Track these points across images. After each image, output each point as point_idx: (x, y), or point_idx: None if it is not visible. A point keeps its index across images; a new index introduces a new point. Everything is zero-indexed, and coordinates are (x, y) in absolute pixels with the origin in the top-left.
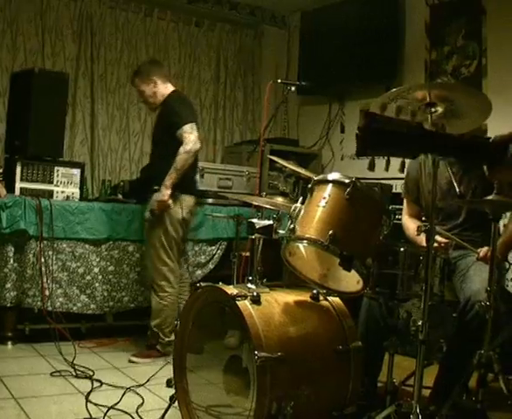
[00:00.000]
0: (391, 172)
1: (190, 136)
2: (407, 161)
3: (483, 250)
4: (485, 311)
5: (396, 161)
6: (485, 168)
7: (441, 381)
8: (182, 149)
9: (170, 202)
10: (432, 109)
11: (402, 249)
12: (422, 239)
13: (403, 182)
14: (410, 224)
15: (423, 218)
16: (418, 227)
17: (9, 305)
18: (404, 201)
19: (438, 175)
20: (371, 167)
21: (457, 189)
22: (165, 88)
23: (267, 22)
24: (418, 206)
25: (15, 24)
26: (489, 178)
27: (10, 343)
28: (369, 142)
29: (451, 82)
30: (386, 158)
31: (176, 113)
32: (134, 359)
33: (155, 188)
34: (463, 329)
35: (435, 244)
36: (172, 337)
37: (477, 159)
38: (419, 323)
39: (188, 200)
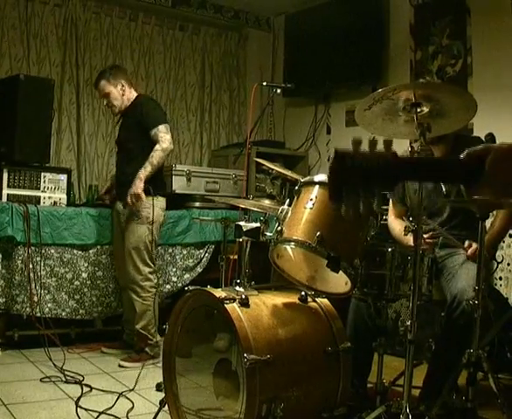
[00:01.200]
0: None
1: (166, 136)
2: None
3: (471, 249)
4: (472, 309)
5: None
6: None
7: (430, 380)
8: (159, 146)
9: (143, 195)
10: (418, 109)
11: (389, 249)
12: (409, 239)
13: None
14: (395, 225)
15: (409, 218)
16: (406, 227)
17: None
18: (390, 201)
19: None
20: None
21: (443, 188)
22: (130, 93)
23: (252, 25)
24: (404, 206)
25: (0, 29)
26: (469, 200)
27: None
28: (342, 183)
29: (436, 82)
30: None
31: (149, 114)
32: (123, 363)
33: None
34: (450, 327)
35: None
36: (158, 337)
37: (453, 180)
38: (408, 323)
39: (163, 201)
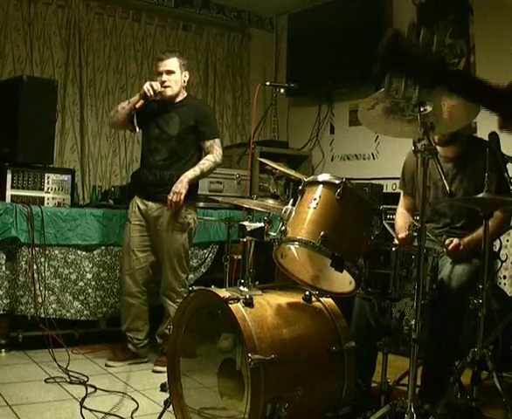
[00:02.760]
0: (382, 172)
1: (220, 150)
2: (406, 154)
3: (452, 244)
4: (457, 300)
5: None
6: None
7: (426, 375)
8: (212, 158)
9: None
10: (421, 108)
11: (393, 248)
12: (399, 235)
13: (399, 176)
14: (398, 217)
15: (417, 213)
16: (410, 226)
17: (1, 312)
18: (401, 193)
19: (431, 172)
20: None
21: (447, 188)
22: (185, 89)
23: (255, 25)
24: (414, 199)
25: (3, 31)
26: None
27: (3, 350)
28: (389, 63)
29: None
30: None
31: (210, 124)
32: (157, 368)
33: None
34: (437, 315)
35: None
36: None
37: (493, 106)
38: (412, 322)
39: (197, 208)
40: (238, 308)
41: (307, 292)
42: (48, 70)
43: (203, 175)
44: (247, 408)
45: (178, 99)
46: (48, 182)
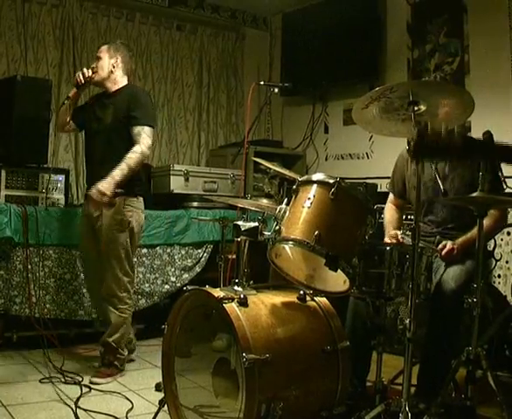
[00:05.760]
0: (376, 171)
1: (148, 140)
2: (399, 154)
3: (446, 249)
4: (453, 300)
5: (383, 161)
6: None
7: (422, 375)
8: (138, 148)
9: (109, 198)
10: (415, 107)
11: (388, 248)
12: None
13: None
14: (388, 212)
15: (408, 213)
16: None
17: None
18: (390, 193)
19: (422, 171)
20: None
21: (441, 187)
22: (121, 76)
23: (249, 24)
24: (403, 200)
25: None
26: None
27: None
28: (422, 153)
29: (433, 80)
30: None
31: (144, 109)
32: (96, 380)
33: (117, 191)
34: (434, 318)
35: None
36: (127, 352)
37: None
38: (407, 321)
39: (142, 202)
40: (232, 308)
41: (301, 292)
42: (42, 69)
43: (131, 170)
44: (242, 408)
45: (114, 88)
46: (42, 182)
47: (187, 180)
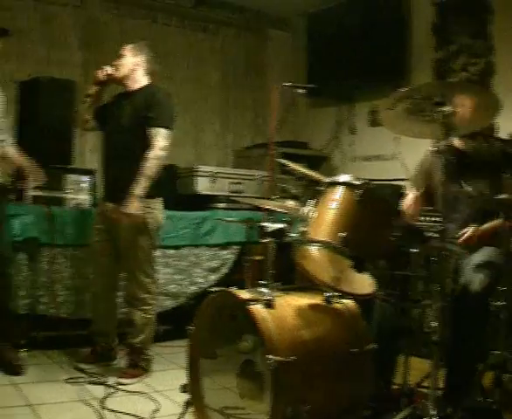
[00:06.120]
0: (403, 173)
1: (164, 142)
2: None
3: (465, 236)
4: (478, 300)
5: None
6: None
7: (448, 378)
8: (152, 154)
9: (137, 210)
10: (441, 108)
11: (414, 250)
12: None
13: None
14: (409, 201)
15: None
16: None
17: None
18: (410, 190)
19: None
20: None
21: (466, 189)
22: (142, 76)
23: (273, 25)
24: (422, 198)
25: (22, 33)
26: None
27: (24, 350)
28: None
29: (458, 81)
30: None
31: (162, 110)
32: (121, 380)
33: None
34: (460, 320)
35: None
36: (151, 351)
37: None
38: (433, 324)
39: (160, 203)
40: (258, 310)
41: (327, 294)
42: (67, 71)
43: (150, 178)
44: (268, 410)
45: (134, 87)
46: (68, 183)
47: (213, 181)
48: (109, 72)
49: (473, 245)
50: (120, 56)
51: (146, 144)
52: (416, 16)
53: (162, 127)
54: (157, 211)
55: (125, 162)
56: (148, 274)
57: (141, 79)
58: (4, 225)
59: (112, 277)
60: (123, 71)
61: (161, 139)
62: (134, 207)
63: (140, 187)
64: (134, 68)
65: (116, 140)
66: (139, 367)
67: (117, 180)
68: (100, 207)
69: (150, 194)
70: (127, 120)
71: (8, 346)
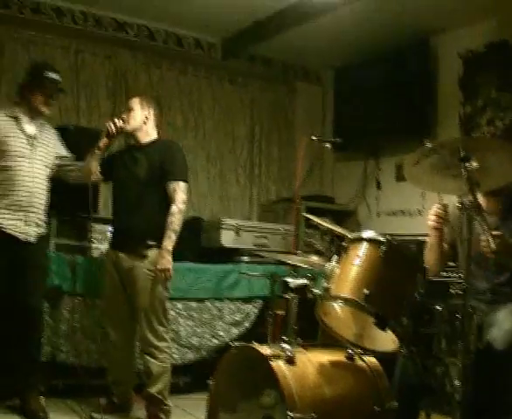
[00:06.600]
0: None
1: (184, 196)
2: (451, 205)
3: (484, 242)
4: (505, 357)
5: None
6: None
7: None
8: (176, 209)
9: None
10: (467, 164)
11: (437, 307)
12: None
13: None
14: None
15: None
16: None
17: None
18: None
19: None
20: None
21: (492, 245)
22: (152, 129)
23: (300, 78)
24: (452, 250)
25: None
26: None
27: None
28: None
29: (485, 136)
30: None
31: (178, 163)
32: None
33: (150, 243)
34: (483, 378)
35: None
36: (169, 401)
37: None
38: (456, 382)
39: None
40: (279, 366)
41: (349, 351)
42: (94, 120)
43: (177, 232)
44: None
45: (146, 140)
46: (93, 232)
47: (238, 234)
48: (120, 125)
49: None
50: (129, 109)
51: (160, 196)
52: (442, 70)
53: (180, 180)
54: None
55: (139, 213)
56: (163, 323)
57: (151, 132)
58: (43, 275)
59: (128, 326)
60: (134, 124)
61: (181, 192)
62: (168, 261)
63: (170, 241)
64: (144, 121)
65: (131, 192)
66: (158, 418)
67: (130, 230)
68: (110, 256)
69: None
70: (143, 173)
71: (33, 395)
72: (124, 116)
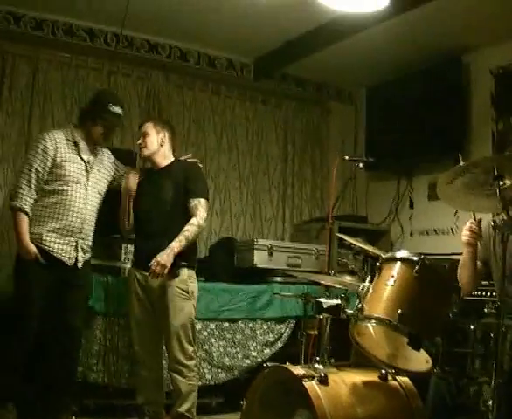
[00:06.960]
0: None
1: (205, 213)
2: (484, 223)
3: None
4: None
5: None
6: None
7: None
8: (195, 222)
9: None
10: (500, 182)
11: (472, 326)
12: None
13: None
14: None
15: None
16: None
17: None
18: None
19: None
20: None
21: None
22: (168, 151)
23: (333, 98)
24: (485, 267)
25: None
26: None
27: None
28: None
29: None
30: None
31: (197, 182)
32: None
33: (182, 263)
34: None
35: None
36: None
37: None
38: (490, 403)
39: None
40: (312, 386)
41: (383, 371)
42: (128, 140)
43: (188, 242)
44: None
45: (164, 163)
46: (125, 253)
47: (271, 254)
48: (135, 152)
49: None
50: (144, 134)
51: (187, 214)
52: (475, 87)
53: (202, 197)
54: (196, 280)
55: (166, 234)
56: (190, 341)
57: (168, 155)
58: (86, 296)
59: (155, 346)
60: (152, 148)
61: (202, 209)
62: (169, 259)
63: (179, 244)
64: (161, 144)
65: (159, 215)
66: None
67: (158, 250)
68: (135, 276)
69: (193, 265)
70: (169, 195)
71: (66, 414)
72: (140, 142)
